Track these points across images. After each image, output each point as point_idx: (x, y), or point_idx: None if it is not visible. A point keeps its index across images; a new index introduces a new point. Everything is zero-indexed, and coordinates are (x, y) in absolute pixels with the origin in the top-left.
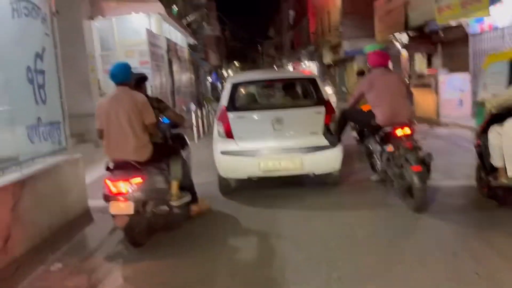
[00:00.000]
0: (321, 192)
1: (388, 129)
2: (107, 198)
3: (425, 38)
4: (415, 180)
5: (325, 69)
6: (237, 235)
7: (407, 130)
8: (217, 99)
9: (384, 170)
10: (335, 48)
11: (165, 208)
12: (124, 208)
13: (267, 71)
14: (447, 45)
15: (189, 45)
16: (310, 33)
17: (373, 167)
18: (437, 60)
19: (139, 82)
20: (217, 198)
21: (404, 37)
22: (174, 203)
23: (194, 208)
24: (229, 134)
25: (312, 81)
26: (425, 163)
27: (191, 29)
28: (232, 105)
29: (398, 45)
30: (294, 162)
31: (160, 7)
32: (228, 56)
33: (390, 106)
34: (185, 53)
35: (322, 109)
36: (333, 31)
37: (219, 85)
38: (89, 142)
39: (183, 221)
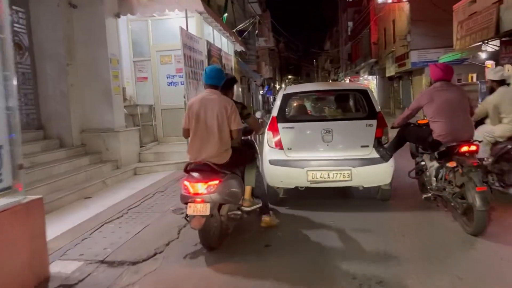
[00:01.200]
0: (370, 206)
1: (451, 144)
2: (185, 198)
3: None
4: (478, 201)
5: (387, 83)
6: (300, 241)
7: (472, 148)
8: (268, 112)
9: (441, 188)
10: (400, 60)
11: (238, 212)
12: (201, 209)
13: (319, 83)
14: None
15: (238, 54)
16: (371, 44)
17: (423, 185)
18: None
19: (227, 84)
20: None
21: (492, 44)
22: (246, 208)
23: (265, 219)
24: (278, 144)
25: (363, 92)
26: (488, 185)
27: (243, 39)
28: (282, 116)
29: (483, 55)
30: (343, 174)
31: (199, 4)
32: (282, 69)
33: (451, 122)
34: (232, 61)
35: (373, 121)
36: (399, 41)
37: (271, 98)
38: (108, 162)
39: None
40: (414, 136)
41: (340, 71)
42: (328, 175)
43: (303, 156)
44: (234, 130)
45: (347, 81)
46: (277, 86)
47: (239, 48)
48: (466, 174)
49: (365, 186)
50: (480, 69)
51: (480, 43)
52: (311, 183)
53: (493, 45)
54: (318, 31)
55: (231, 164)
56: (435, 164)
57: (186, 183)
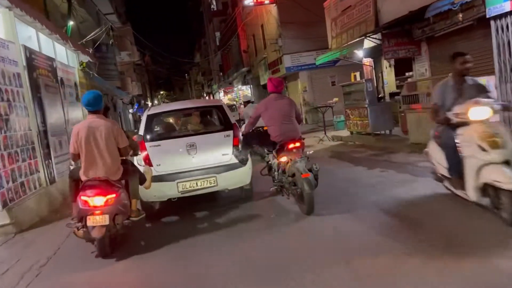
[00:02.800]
0: (232, 206)
1: (281, 143)
2: (84, 212)
3: (403, 37)
4: (305, 186)
5: (262, 92)
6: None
7: (297, 144)
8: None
9: (280, 179)
10: (273, 66)
11: (128, 222)
12: (100, 220)
13: (181, 102)
14: (444, 40)
15: (91, 67)
16: (241, 53)
17: (274, 179)
18: (420, 65)
19: (105, 108)
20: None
21: (374, 38)
22: (134, 218)
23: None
24: (147, 162)
25: (219, 107)
26: (312, 171)
27: (99, 53)
28: (148, 135)
29: (360, 53)
30: (209, 181)
31: None
32: (152, 84)
33: (281, 126)
34: (75, 75)
35: (230, 132)
36: (270, 46)
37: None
38: None
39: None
40: (258, 139)
41: (213, 83)
42: (197, 184)
43: (172, 169)
44: (122, 147)
45: (221, 93)
46: (149, 103)
47: (86, 59)
48: (293, 165)
49: (229, 188)
50: (360, 68)
51: (362, 37)
52: (182, 193)
53: (374, 39)
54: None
55: (120, 179)
56: (275, 160)
57: (85, 198)
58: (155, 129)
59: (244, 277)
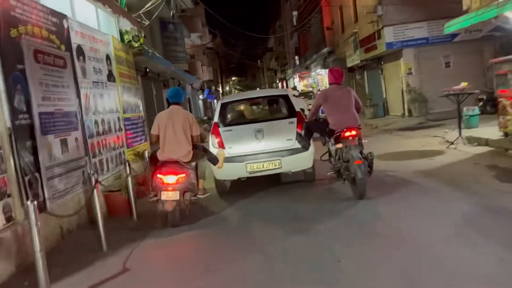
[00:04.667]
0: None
1: (339, 131)
2: (159, 187)
3: None
4: (358, 172)
5: (346, 77)
6: (240, 219)
7: (353, 132)
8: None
9: (337, 165)
10: (367, 42)
11: (195, 198)
12: (172, 195)
13: (251, 92)
14: None
15: (139, 40)
16: (323, 31)
17: (332, 165)
18: None
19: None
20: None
21: None
22: (201, 196)
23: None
24: (220, 144)
25: (285, 97)
26: (367, 159)
27: (165, 33)
28: (222, 121)
29: None
30: (274, 163)
31: None
32: (223, 69)
33: (340, 114)
34: (107, 46)
35: (294, 119)
36: (364, 18)
37: (214, 103)
38: None
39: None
40: (318, 128)
41: (287, 68)
42: (263, 166)
43: (242, 152)
44: (195, 135)
45: (296, 79)
46: (220, 89)
47: (128, 26)
48: (347, 152)
49: (293, 171)
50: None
51: None
52: (250, 174)
53: None
54: (261, 27)
55: (190, 162)
56: (334, 147)
57: (160, 175)
58: (228, 116)
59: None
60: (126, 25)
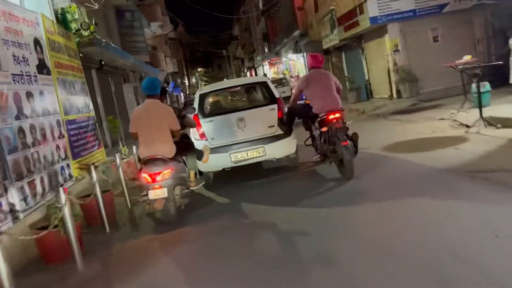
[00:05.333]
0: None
1: (323, 115)
2: (146, 187)
3: None
4: (344, 153)
5: (324, 59)
6: (228, 210)
7: (337, 115)
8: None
9: (322, 148)
10: (347, 19)
11: (187, 191)
12: (160, 193)
13: (228, 81)
14: None
15: (80, 25)
16: (294, 13)
17: (316, 149)
18: None
19: (162, 92)
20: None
21: None
22: (193, 187)
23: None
24: (203, 136)
25: (263, 83)
26: (352, 140)
27: (122, 22)
28: (202, 112)
29: None
30: (258, 151)
31: None
32: (188, 61)
33: (323, 99)
34: (34, 28)
35: (275, 106)
36: None
37: (181, 96)
38: None
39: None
40: (300, 113)
41: (256, 55)
42: (247, 154)
43: (225, 142)
44: (175, 130)
45: (266, 66)
46: (186, 82)
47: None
48: (333, 134)
49: (277, 157)
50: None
51: None
52: (234, 163)
53: None
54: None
55: (176, 155)
56: (317, 131)
57: (144, 174)
58: (207, 107)
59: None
60: (62, 1)
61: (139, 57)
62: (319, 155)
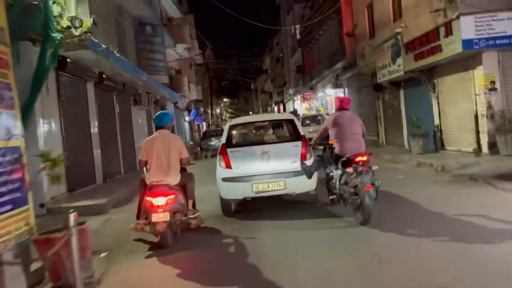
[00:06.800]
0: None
1: (348, 156)
2: (150, 210)
3: None
4: (366, 197)
5: (369, 97)
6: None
7: (364, 158)
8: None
9: (341, 189)
10: (424, 43)
11: (185, 218)
12: (162, 217)
13: (257, 115)
14: None
15: (70, 21)
16: (342, 39)
17: (329, 190)
18: None
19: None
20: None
21: None
22: (191, 216)
23: (193, 222)
24: (228, 165)
25: (290, 121)
26: (374, 186)
27: (142, 37)
28: (229, 142)
29: None
30: (279, 184)
31: None
32: (214, 90)
33: (347, 141)
34: None
35: (299, 143)
36: (414, 10)
37: (202, 126)
38: None
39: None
40: (330, 159)
41: (287, 88)
42: (268, 186)
43: (248, 172)
44: (184, 158)
45: (298, 101)
46: (209, 111)
47: None
48: (357, 176)
49: (296, 192)
50: None
51: None
52: (256, 193)
53: None
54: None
55: (179, 184)
56: (339, 171)
57: (149, 198)
58: (235, 138)
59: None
60: None
61: (157, 77)
62: (334, 196)
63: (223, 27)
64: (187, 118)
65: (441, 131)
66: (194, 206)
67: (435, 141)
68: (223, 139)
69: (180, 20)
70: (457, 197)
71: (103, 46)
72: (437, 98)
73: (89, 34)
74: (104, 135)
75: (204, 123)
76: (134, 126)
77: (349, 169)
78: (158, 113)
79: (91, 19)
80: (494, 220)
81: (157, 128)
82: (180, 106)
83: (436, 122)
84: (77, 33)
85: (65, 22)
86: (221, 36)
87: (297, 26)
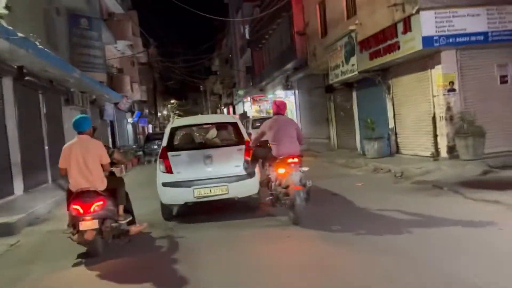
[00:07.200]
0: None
1: (282, 158)
2: (76, 218)
3: None
4: (297, 197)
5: (320, 99)
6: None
7: (295, 159)
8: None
9: (275, 190)
10: (380, 41)
11: (116, 224)
12: (91, 224)
13: (200, 116)
14: None
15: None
16: (293, 38)
17: (270, 191)
18: None
19: (93, 130)
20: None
21: None
22: (122, 221)
23: (133, 228)
24: (168, 169)
25: (234, 124)
26: (305, 187)
27: (75, 29)
28: (170, 146)
29: None
30: (221, 189)
31: None
32: (162, 92)
33: (282, 144)
34: None
35: (242, 147)
36: (371, 5)
37: (147, 128)
38: None
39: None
40: (262, 153)
41: (237, 89)
42: (210, 191)
43: (190, 177)
44: (105, 164)
45: (247, 103)
46: (156, 113)
47: None
48: (288, 177)
49: (239, 196)
50: None
51: None
52: (197, 199)
53: None
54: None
55: (106, 189)
56: (274, 173)
57: (76, 206)
58: (176, 141)
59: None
60: None
61: (93, 75)
62: (271, 197)
63: (170, 25)
64: (130, 120)
65: (396, 134)
66: (129, 212)
67: (390, 144)
68: (164, 141)
69: (121, 16)
70: (426, 208)
71: (20, 34)
72: (392, 99)
73: None
74: (26, 139)
75: (150, 126)
76: (65, 128)
77: (281, 171)
78: (76, 117)
79: (4, 1)
80: (473, 234)
81: (78, 133)
82: (121, 107)
83: (391, 124)
84: None
85: None
86: (167, 34)
87: (246, 26)
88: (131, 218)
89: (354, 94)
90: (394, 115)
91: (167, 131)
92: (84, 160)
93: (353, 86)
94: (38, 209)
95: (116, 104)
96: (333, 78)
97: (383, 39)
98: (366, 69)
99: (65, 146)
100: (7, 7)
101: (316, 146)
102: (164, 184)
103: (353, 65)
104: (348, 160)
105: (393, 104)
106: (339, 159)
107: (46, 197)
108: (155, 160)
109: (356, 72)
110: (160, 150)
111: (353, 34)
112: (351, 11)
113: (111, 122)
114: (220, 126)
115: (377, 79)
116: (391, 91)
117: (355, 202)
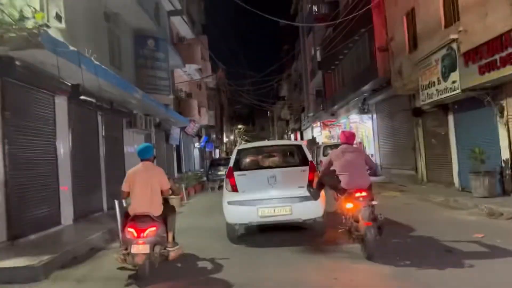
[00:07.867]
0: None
1: (349, 192)
2: (130, 241)
3: None
4: (367, 233)
5: (404, 123)
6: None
7: (363, 193)
8: (210, 175)
9: (347, 224)
10: (489, 54)
11: (166, 251)
12: (142, 249)
13: (266, 141)
14: None
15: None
16: (373, 55)
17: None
18: None
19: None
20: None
21: None
22: (170, 248)
23: (172, 254)
24: (234, 188)
25: (299, 146)
26: (377, 221)
27: (142, 50)
28: (237, 166)
29: None
30: (285, 209)
31: None
32: (229, 117)
33: (352, 175)
34: None
35: (306, 168)
36: (480, 8)
37: (215, 153)
38: None
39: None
40: (330, 183)
41: (307, 114)
42: (274, 211)
43: (254, 196)
44: (165, 189)
45: (317, 128)
46: (225, 138)
47: None
48: (358, 212)
49: (303, 218)
50: None
51: None
52: (261, 218)
53: None
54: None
55: (160, 215)
56: (348, 205)
57: (131, 229)
58: (243, 161)
59: None
60: None
61: (158, 97)
62: (343, 229)
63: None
64: (196, 145)
65: (511, 167)
66: (174, 238)
67: (503, 180)
68: (231, 162)
69: (191, 40)
70: None
71: (71, 48)
72: (507, 124)
73: (45, 27)
74: (79, 163)
75: (218, 151)
76: (125, 153)
77: (349, 205)
78: (140, 146)
79: (55, 12)
80: None
81: (141, 160)
82: (189, 131)
83: (505, 155)
84: (29, 26)
85: (13, 11)
86: (236, 59)
87: (318, 48)
88: (178, 246)
89: (451, 118)
90: (510, 143)
91: (234, 153)
92: (147, 186)
93: (449, 108)
94: (77, 246)
95: (183, 128)
96: (426, 99)
97: (501, 48)
98: (473, 86)
99: (129, 171)
100: (57, 16)
101: (400, 179)
102: (230, 203)
103: (453, 82)
104: (448, 199)
105: (508, 130)
106: (435, 195)
107: (96, 228)
108: (219, 187)
109: (458, 90)
110: (224, 177)
111: (454, 45)
112: (452, 17)
113: (177, 146)
114: (285, 149)
115: (485, 99)
116: (505, 114)
117: (482, 266)
